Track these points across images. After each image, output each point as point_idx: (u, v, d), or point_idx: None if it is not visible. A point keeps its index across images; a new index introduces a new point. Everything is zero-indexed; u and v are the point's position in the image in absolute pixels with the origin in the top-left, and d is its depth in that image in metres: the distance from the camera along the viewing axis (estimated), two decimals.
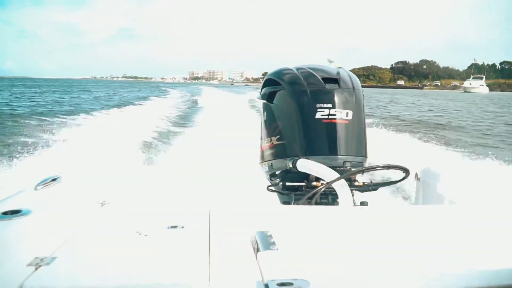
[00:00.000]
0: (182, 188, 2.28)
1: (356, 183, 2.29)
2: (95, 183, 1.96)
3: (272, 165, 2.41)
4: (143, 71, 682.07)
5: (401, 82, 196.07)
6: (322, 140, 2.22)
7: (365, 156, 2.31)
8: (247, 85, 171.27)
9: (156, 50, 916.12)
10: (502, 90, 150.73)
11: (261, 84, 2.55)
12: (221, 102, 27.81)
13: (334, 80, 2.31)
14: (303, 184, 2.26)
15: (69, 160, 6.71)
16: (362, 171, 2.16)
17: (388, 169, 2.18)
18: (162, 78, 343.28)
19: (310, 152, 2.22)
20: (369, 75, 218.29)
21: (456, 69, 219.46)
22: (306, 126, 2.23)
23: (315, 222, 1.49)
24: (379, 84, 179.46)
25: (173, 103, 25.97)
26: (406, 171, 2.20)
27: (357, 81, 2.40)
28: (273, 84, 2.41)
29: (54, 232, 1.31)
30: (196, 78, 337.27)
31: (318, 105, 2.23)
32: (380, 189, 2.37)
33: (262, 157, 2.48)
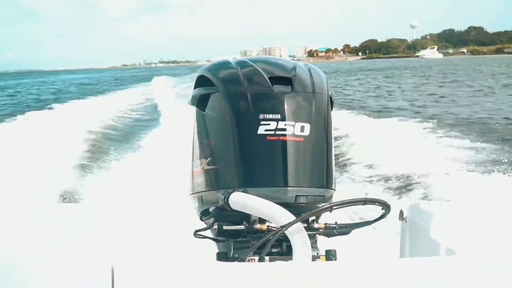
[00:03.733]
0: (69, 235, 1.93)
1: (316, 225, 2.13)
2: None
3: (202, 199, 2.23)
4: (183, 53, 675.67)
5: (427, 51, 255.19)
6: (266, 165, 2.05)
7: (328, 187, 2.14)
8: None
9: (195, 26, 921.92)
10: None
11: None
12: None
13: (286, 79, 2.13)
14: (242, 227, 2.08)
15: None
16: (331, 209, 1.96)
17: (365, 204, 2.02)
18: (208, 61, 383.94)
19: (249, 182, 2.03)
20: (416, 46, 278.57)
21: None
22: (244, 145, 2.06)
23: None
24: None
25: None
26: (386, 206, 2.07)
27: (321, 81, 2.23)
28: (205, 84, 2.22)
29: None
30: None
31: (262, 116, 2.04)
32: (355, 231, 2.21)
33: (192, 186, 2.30)
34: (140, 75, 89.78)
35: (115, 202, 5.56)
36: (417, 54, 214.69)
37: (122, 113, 23.48)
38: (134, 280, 1.41)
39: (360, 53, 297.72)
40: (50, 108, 25.22)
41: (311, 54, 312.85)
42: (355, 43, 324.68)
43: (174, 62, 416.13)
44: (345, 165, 10.48)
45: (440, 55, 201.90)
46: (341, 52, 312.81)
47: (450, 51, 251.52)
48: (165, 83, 46.41)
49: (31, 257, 1.71)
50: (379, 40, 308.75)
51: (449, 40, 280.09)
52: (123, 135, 16.84)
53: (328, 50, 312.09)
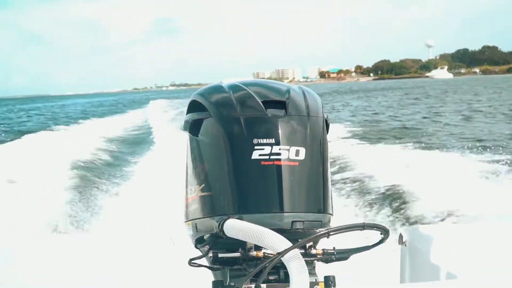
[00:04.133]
0: (62, 264, 1.96)
1: (313, 251, 2.15)
2: None
3: (196, 226, 2.25)
4: (195, 76, 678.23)
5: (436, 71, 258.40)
6: (261, 191, 2.07)
7: (325, 211, 2.15)
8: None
9: (207, 48, 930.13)
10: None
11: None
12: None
13: (280, 103, 2.16)
14: (238, 255, 2.10)
15: None
16: (328, 234, 1.99)
17: (363, 229, 2.04)
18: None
19: (244, 208, 2.06)
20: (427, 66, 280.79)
21: None
22: (238, 170, 2.09)
23: None
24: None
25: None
26: (384, 231, 2.11)
27: (316, 104, 2.26)
28: (198, 109, 2.26)
29: None
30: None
31: (255, 140, 2.07)
32: (353, 256, 2.24)
33: (187, 213, 2.34)
34: (152, 98, 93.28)
35: (108, 232, 5.46)
36: (427, 74, 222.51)
37: (118, 136, 25.23)
38: None
39: (371, 74, 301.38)
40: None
41: (322, 75, 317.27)
42: (369, 63, 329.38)
43: (185, 85, 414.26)
44: None
45: (450, 75, 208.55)
46: (353, 73, 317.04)
47: (463, 71, 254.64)
48: (161, 106, 49.19)
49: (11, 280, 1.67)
50: (392, 61, 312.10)
51: (463, 59, 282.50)
52: (115, 160, 17.38)
53: (339, 71, 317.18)
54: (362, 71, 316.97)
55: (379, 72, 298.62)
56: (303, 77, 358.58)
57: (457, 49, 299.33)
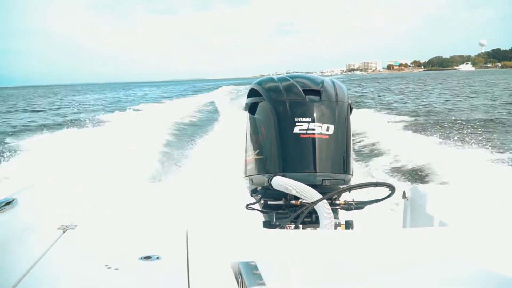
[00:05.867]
0: (156, 207, 2.21)
1: (337, 202, 2.44)
2: (57, 202, 2.01)
3: (252, 181, 2.58)
4: (304, 66, 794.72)
5: (463, 65, 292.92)
6: (299, 156, 2.33)
7: (347, 173, 2.42)
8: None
9: (314, 45, 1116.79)
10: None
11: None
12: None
13: (316, 91, 2.42)
14: (282, 202, 2.42)
15: (32, 175, 6.96)
16: (349, 189, 2.28)
17: (376, 186, 2.30)
18: (321, 72, 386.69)
19: (286, 168, 2.33)
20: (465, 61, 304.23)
21: None
22: (283, 140, 2.34)
23: (300, 249, 1.58)
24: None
25: None
26: (392, 188, 2.34)
27: (343, 92, 2.52)
28: (255, 95, 2.57)
29: (10, 271, 1.31)
30: (352, 69, 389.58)
31: (297, 119, 2.33)
32: (368, 207, 2.49)
33: (245, 171, 2.66)
34: None
35: (190, 183, 6.18)
36: (454, 68, 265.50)
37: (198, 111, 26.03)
38: (204, 240, 1.57)
39: (422, 67, 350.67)
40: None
41: (388, 67, 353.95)
42: (428, 58, 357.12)
43: (296, 72, 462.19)
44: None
45: (473, 68, 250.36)
46: (410, 66, 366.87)
47: (489, 65, 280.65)
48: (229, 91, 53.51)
49: (122, 220, 1.82)
50: (444, 56, 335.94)
51: (496, 56, 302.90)
52: (196, 131, 17.25)
53: (400, 65, 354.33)
54: (418, 64, 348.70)
55: (430, 65, 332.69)
56: (383, 68, 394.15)
57: (492, 48, 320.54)
